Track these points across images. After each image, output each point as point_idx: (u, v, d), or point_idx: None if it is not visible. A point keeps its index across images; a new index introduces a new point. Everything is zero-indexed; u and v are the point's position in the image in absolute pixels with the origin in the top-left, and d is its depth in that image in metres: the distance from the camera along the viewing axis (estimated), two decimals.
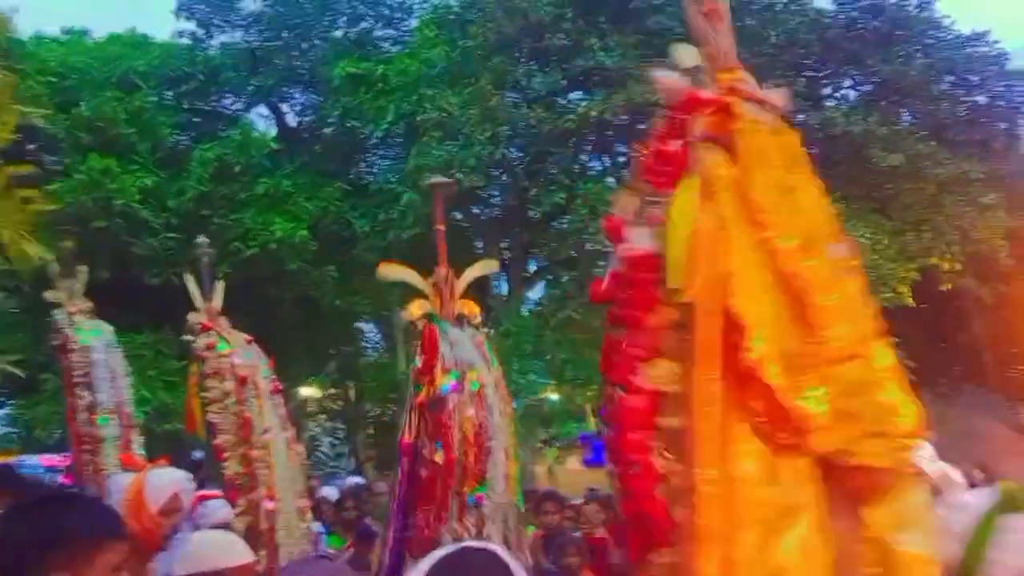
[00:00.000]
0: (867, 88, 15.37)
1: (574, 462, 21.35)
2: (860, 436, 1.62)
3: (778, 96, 1.82)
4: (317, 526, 5.79)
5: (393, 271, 3.47)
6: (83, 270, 5.38)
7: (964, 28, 15.53)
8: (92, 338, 5.06)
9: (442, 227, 3.48)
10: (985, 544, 1.92)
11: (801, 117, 13.40)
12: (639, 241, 1.79)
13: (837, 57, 14.65)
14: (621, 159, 16.53)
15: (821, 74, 15.48)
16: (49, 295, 5.22)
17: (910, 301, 12.96)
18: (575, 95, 14.99)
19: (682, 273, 1.68)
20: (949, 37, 15.39)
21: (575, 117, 13.76)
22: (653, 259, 1.75)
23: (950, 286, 13.84)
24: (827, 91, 15.85)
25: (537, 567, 5.81)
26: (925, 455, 4.36)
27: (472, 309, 3.45)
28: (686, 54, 1.88)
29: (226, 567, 2.71)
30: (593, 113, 13.51)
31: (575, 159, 15.57)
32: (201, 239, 5.19)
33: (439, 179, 3.98)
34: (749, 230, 1.68)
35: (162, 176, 14.68)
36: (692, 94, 1.81)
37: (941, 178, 12.93)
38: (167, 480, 3.56)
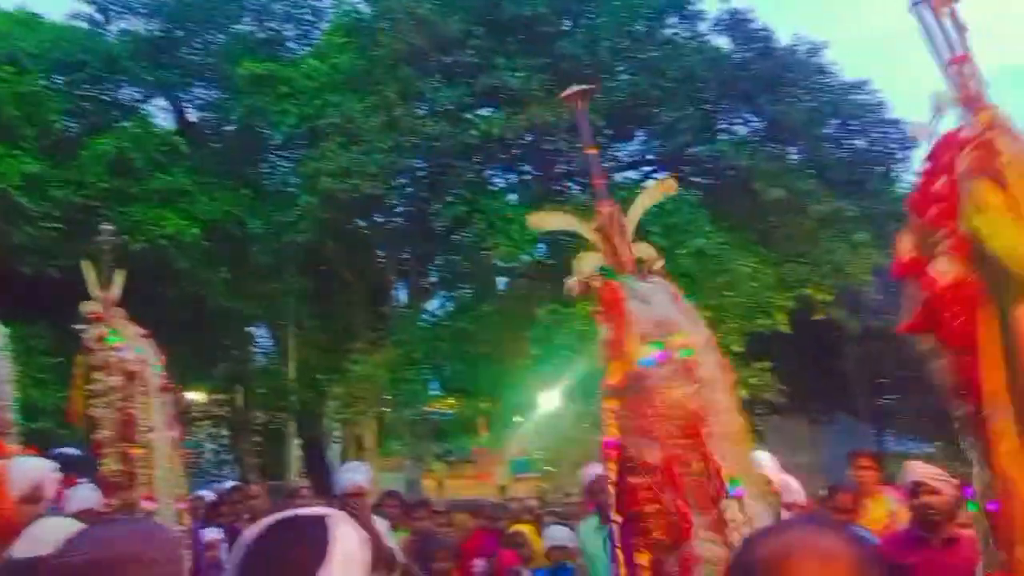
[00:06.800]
0: (757, 125, 16.18)
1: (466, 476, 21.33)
2: None
3: None
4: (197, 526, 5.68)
5: (546, 220, 2.94)
6: None
7: (848, 76, 16.60)
8: None
9: (594, 150, 2.84)
10: None
11: (693, 149, 14.03)
12: (945, 270, 1.83)
13: (731, 94, 15.38)
14: (523, 176, 16.84)
15: (715, 109, 16.21)
16: None
17: (786, 328, 13.67)
18: (481, 111, 15.20)
19: None
20: (834, 83, 16.40)
21: (478, 133, 13.97)
22: (964, 283, 1.81)
23: (823, 316, 14.67)
24: (721, 126, 16.60)
25: (408, 570, 5.90)
26: (770, 465, 4.66)
27: (650, 252, 2.64)
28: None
29: None
30: (495, 131, 13.75)
31: (478, 174, 15.77)
32: (106, 226, 5.04)
33: (575, 88, 2.81)
34: None
35: (48, 164, 14.04)
36: (951, 135, 1.89)
37: (819, 214, 13.72)
38: (30, 468, 3.53)
